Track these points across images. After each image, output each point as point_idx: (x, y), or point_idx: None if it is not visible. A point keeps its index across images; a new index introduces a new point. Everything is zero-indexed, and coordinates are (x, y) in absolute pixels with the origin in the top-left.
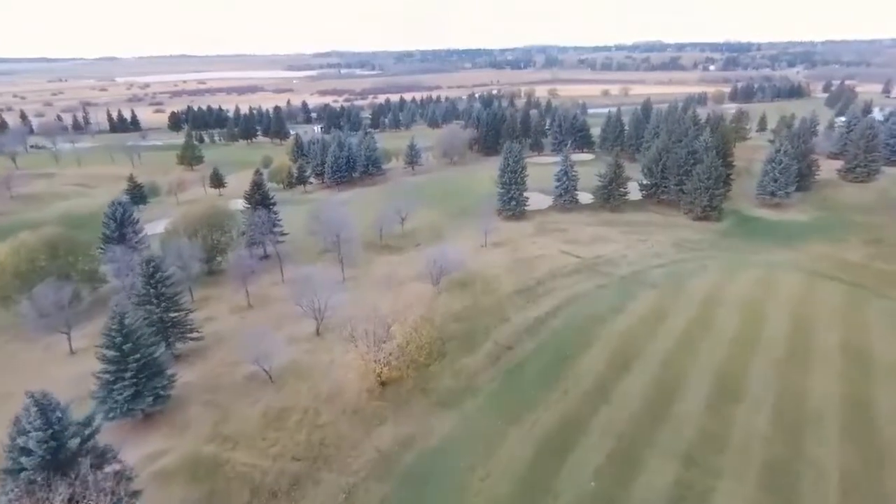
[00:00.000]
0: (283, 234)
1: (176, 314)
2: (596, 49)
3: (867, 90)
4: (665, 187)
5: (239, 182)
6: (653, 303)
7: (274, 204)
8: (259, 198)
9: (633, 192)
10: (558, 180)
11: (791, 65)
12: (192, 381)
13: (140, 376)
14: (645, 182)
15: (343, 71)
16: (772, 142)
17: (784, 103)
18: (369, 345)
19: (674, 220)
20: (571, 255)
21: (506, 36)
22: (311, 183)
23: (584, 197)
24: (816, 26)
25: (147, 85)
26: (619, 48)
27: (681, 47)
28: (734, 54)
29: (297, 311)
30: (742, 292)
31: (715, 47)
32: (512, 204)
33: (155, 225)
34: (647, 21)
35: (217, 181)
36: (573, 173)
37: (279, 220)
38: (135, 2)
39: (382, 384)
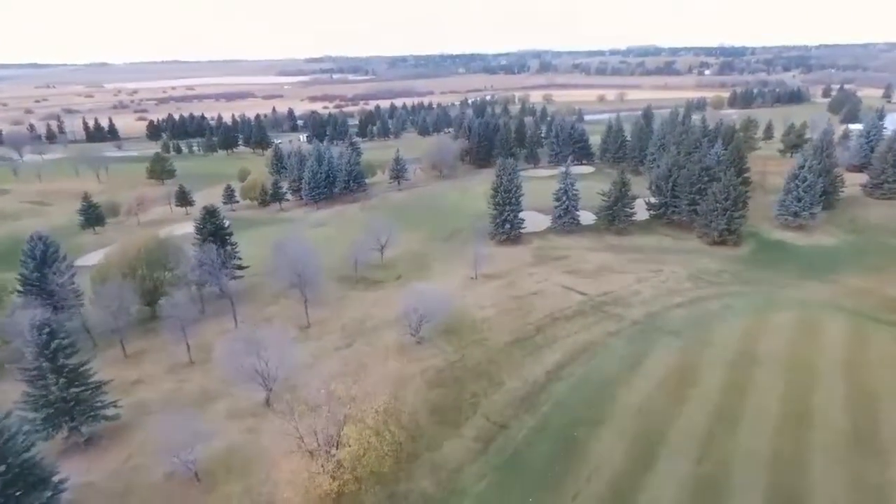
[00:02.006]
0: (241, 267)
1: (81, 389)
2: (590, 53)
3: (866, 94)
4: (676, 207)
5: (210, 199)
6: (675, 359)
7: (230, 235)
8: (212, 228)
9: (640, 210)
10: (557, 200)
11: (786, 69)
12: (96, 480)
13: (9, 492)
14: (653, 201)
15: (336, 76)
16: (782, 152)
17: (785, 109)
18: (320, 443)
19: (687, 244)
20: (575, 290)
21: (500, 40)
22: (287, 200)
23: (586, 217)
24: (810, 30)
25: (135, 91)
26: (613, 52)
27: (675, 51)
28: (729, 58)
29: (246, 371)
30: (780, 344)
31: (709, 51)
32: (506, 227)
33: (100, 254)
34: (640, 25)
35: (183, 199)
36: (574, 192)
37: (237, 253)
38: (128, 7)
39: (337, 493)
